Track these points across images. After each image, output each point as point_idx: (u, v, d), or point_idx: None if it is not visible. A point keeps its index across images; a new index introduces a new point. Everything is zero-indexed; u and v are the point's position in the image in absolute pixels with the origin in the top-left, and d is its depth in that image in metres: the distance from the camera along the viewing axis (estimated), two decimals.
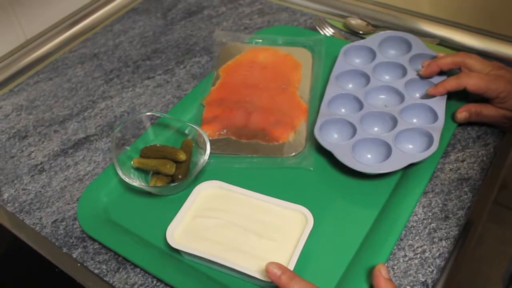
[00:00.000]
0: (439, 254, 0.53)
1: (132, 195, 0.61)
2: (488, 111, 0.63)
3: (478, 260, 0.55)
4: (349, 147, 0.59)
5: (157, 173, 0.61)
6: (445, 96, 0.64)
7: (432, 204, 0.58)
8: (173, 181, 0.60)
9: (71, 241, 0.58)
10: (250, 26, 0.87)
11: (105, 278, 0.54)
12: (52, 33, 0.87)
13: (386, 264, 0.52)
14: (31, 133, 0.72)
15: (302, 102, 0.69)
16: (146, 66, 0.81)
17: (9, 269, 0.58)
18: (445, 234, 0.55)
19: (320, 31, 0.82)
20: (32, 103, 0.76)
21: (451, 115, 0.64)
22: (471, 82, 0.61)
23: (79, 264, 0.56)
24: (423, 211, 0.57)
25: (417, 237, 0.55)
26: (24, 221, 0.60)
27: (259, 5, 0.91)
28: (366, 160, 0.60)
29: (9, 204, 0.62)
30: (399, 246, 0.54)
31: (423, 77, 0.66)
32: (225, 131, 0.65)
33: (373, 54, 0.70)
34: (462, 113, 0.63)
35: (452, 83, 0.62)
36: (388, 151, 0.59)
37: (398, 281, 0.51)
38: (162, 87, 0.77)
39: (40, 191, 0.64)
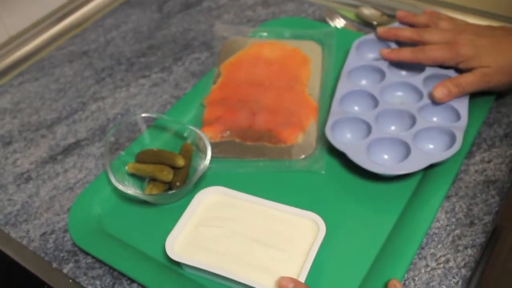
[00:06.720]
0: (465, 264, 0.53)
1: (127, 204, 0.61)
2: (465, 78, 0.63)
3: (511, 272, 0.54)
4: (363, 147, 0.59)
5: (153, 179, 0.62)
6: (468, 95, 0.64)
7: (456, 209, 0.58)
8: (170, 189, 0.61)
9: (62, 255, 0.58)
10: (254, 19, 0.87)
11: None
12: (38, 29, 0.88)
13: (406, 275, 0.53)
14: (16, 139, 0.72)
15: (312, 100, 0.69)
16: (141, 64, 0.81)
17: None
18: (470, 242, 0.55)
19: (331, 23, 0.82)
20: (17, 106, 0.77)
21: (471, 113, 0.64)
22: (433, 54, 0.64)
23: (70, 280, 0.56)
24: (446, 216, 0.57)
25: (439, 245, 0.55)
26: (10, 234, 0.61)
27: None
28: (383, 161, 0.61)
29: None
30: (420, 255, 0.54)
31: (443, 73, 0.65)
32: (228, 133, 0.66)
33: (388, 47, 0.70)
34: (438, 89, 0.63)
35: (407, 54, 0.66)
36: (406, 151, 0.59)
37: None
38: (158, 86, 0.77)
39: (27, 202, 0.64)
